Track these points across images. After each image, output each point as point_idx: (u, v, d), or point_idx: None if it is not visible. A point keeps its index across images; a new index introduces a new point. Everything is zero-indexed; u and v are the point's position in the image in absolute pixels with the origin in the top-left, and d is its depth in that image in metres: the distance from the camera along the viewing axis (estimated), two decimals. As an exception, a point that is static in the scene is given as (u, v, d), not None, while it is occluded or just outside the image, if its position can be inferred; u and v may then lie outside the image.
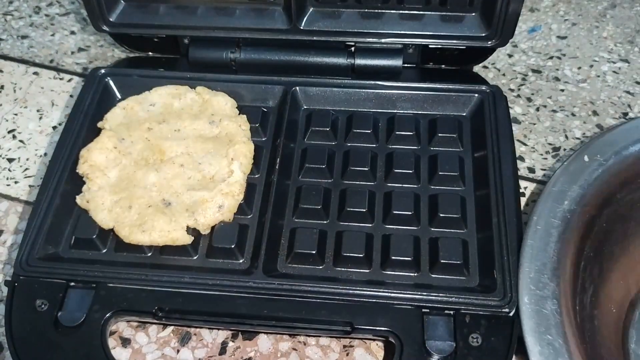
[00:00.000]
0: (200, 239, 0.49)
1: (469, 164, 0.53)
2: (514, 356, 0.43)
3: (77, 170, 0.51)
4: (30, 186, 0.59)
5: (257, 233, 0.49)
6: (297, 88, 0.57)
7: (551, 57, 0.68)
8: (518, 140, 0.60)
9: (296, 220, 0.50)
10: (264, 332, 0.48)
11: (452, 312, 0.44)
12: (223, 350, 0.48)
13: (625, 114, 0.63)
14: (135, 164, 0.51)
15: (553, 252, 0.44)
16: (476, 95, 0.56)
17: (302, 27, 0.57)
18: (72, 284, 0.46)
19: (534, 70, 0.67)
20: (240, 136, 0.52)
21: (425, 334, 0.43)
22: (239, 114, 0.55)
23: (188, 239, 0.47)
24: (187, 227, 0.48)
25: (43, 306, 0.45)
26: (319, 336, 0.48)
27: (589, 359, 0.40)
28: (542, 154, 0.59)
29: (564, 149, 0.60)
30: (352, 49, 0.58)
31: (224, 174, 0.50)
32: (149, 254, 0.48)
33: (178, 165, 0.51)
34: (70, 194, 0.50)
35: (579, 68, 0.67)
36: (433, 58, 0.59)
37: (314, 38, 0.57)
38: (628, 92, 0.64)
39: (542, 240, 0.44)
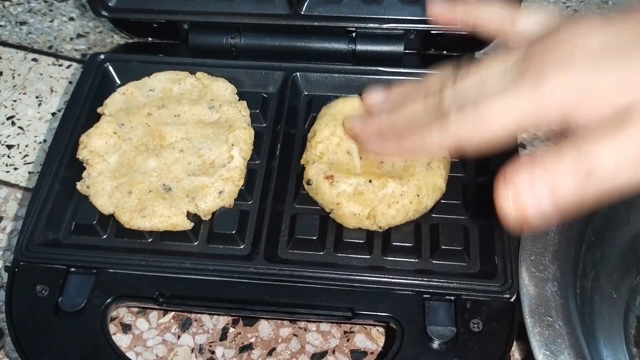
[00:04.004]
0: (200, 225, 0.49)
1: (470, 150, 0.53)
2: (514, 341, 0.43)
3: (77, 156, 0.51)
4: (29, 172, 0.59)
5: (258, 219, 0.49)
6: (298, 74, 0.56)
7: (553, 44, 0.68)
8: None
9: (297, 206, 0.50)
10: (265, 318, 0.48)
11: (453, 298, 0.44)
12: (224, 336, 0.48)
13: (627, 101, 0.62)
14: (135, 150, 0.51)
15: (554, 235, 0.44)
16: (478, 81, 0.55)
17: (302, 13, 0.57)
18: (73, 269, 0.46)
19: (535, 57, 0.66)
20: (240, 122, 0.52)
21: (426, 319, 0.43)
22: (239, 100, 0.55)
23: (188, 225, 0.47)
24: (188, 212, 0.47)
25: (43, 292, 0.45)
26: (320, 322, 0.48)
27: (589, 343, 0.40)
28: (543, 141, 0.59)
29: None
30: (353, 34, 0.58)
31: (224, 159, 0.50)
32: (150, 240, 0.48)
33: (178, 150, 0.50)
34: (70, 179, 0.50)
35: (581, 55, 0.66)
36: (435, 44, 0.59)
37: (315, 23, 0.57)
38: (630, 79, 0.64)
39: (544, 223, 0.44)
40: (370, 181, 0.47)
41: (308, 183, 0.48)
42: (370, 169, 0.48)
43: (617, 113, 0.30)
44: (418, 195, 0.47)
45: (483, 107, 0.34)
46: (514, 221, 0.30)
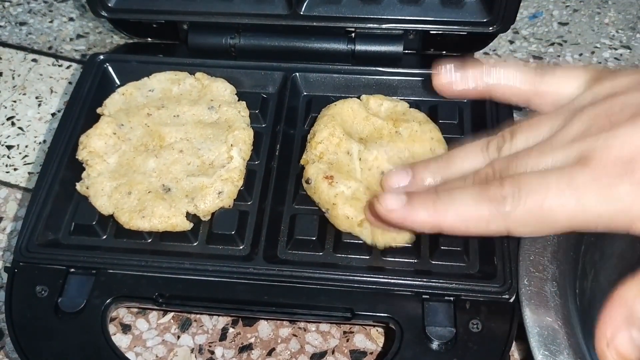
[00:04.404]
0: (200, 225, 0.49)
1: (469, 151, 0.53)
2: (514, 342, 0.43)
3: (76, 157, 0.51)
4: (29, 173, 0.59)
5: (257, 219, 0.49)
6: (297, 74, 0.56)
7: (552, 44, 0.68)
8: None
9: (296, 206, 0.50)
10: (264, 318, 0.48)
11: (452, 299, 0.44)
12: (223, 336, 0.48)
13: (627, 101, 0.62)
14: (135, 150, 0.51)
15: (553, 235, 0.44)
16: (477, 81, 0.55)
17: (302, 13, 0.57)
18: (72, 270, 0.46)
19: (535, 57, 0.66)
20: (239, 122, 0.52)
21: (426, 320, 0.43)
22: (239, 101, 0.55)
23: (188, 225, 0.47)
24: (187, 213, 0.47)
25: (43, 292, 0.45)
26: (319, 322, 0.48)
27: (588, 343, 0.40)
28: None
29: (565, 136, 0.60)
30: (353, 34, 0.58)
31: (223, 160, 0.50)
32: (149, 240, 0.48)
33: (177, 151, 0.50)
34: (69, 180, 0.50)
35: (581, 55, 0.67)
36: (434, 44, 0.59)
37: (314, 24, 0.57)
38: (630, 79, 0.64)
39: (543, 224, 0.44)
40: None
41: (307, 182, 0.48)
42: (370, 177, 0.48)
43: None
44: None
45: (546, 201, 0.32)
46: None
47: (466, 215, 0.34)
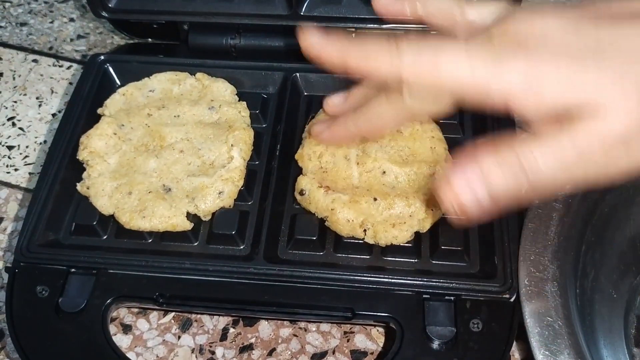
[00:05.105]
0: (200, 225, 0.49)
1: (470, 150, 0.53)
2: (514, 341, 0.43)
3: (77, 157, 0.51)
4: (30, 173, 0.59)
5: (258, 219, 0.49)
6: (298, 74, 0.56)
7: (553, 44, 0.68)
8: (519, 127, 0.60)
9: (297, 206, 0.50)
10: (265, 318, 0.48)
11: (452, 298, 0.44)
12: (224, 336, 0.48)
13: (627, 101, 0.62)
14: (135, 150, 0.51)
15: (554, 235, 0.44)
16: (477, 81, 0.55)
17: (302, 13, 0.57)
18: (73, 270, 0.46)
19: (535, 57, 0.66)
20: (240, 122, 0.52)
21: (426, 319, 0.43)
22: (239, 101, 0.55)
23: (188, 225, 0.47)
24: (188, 213, 0.47)
25: (44, 292, 0.45)
26: (320, 322, 0.48)
27: (589, 343, 0.41)
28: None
29: (566, 136, 0.60)
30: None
31: (223, 160, 0.50)
32: (150, 240, 0.48)
33: (178, 151, 0.50)
34: (70, 180, 0.50)
35: (581, 54, 0.67)
36: (434, 44, 0.59)
37: (315, 24, 0.57)
38: (630, 79, 0.64)
39: (543, 223, 0.44)
40: (375, 199, 0.46)
41: (301, 193, 0.48)
42: (371, 179, 0.48)
43: (561, 113, 0.31)
44: (432, 210, 0.46)
45: (441, 60, 0.34)
46: (455, 214, 0.32)
47: (370, 56, 0.37)
